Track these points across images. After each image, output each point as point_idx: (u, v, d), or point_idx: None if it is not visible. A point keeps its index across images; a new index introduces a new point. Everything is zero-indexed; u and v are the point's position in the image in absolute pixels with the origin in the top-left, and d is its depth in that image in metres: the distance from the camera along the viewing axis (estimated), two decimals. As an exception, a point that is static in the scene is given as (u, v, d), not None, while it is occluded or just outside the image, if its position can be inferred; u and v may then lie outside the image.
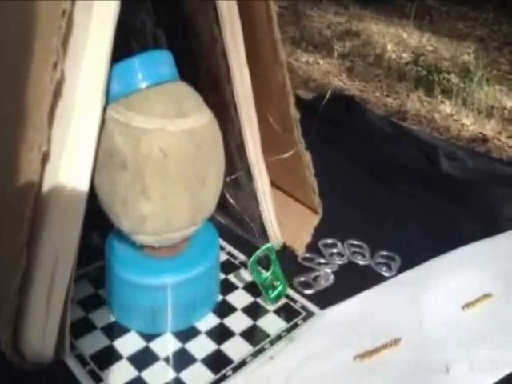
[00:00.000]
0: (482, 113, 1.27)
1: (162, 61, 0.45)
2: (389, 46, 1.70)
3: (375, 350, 0.49)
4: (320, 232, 0.65)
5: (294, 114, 0.54)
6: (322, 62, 1.56)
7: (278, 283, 0.55)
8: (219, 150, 0.48)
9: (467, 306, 0.55)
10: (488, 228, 0.70)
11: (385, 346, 0.50)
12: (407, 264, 0.62)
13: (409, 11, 1.99)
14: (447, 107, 1.30)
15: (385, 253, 0.63)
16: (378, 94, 1.37)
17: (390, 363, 0.49)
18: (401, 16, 2.02)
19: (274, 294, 0.55)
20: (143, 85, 0.44)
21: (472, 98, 1.33)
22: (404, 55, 1.65)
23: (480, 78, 1.42)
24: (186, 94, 0.46)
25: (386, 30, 1.87)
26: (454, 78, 1.47)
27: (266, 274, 0.54)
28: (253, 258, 0.53)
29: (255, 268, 0.54)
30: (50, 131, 0.38)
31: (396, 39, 1.78)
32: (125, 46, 0.48)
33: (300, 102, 0.57)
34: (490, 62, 1.59)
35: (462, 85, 1.41)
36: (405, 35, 1.83)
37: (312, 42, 1.69)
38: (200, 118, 0.45)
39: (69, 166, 0.40)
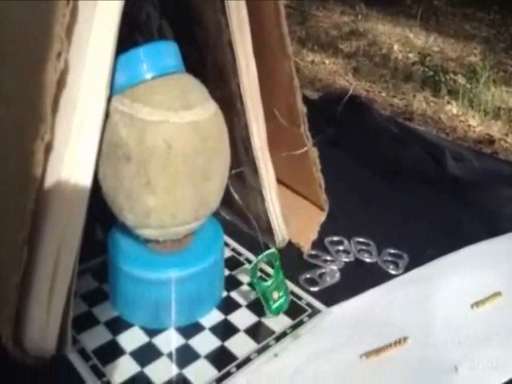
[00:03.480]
0: (488, 114, 1.26)
1: (168, 52, 0.45)
2: (395, 47, 1.70)
3: (382, 349, 0.48)
4: (326, 229, 0.64)
5: (301, 108, 0.54)
6: (327, 61, 1.55)
7: (281, 294, 0.51)
8: (224, 144, 0.47)
9: (476, 304, 0.54)
10: (493, 228, 0.69)
11: (392, 345, 0.49)
12: (415, 262, 0.61)
13: (415, 12, 1.99)
14: (454, 108, 1.29)
15: (392, 250, 0.62)
16: (384, 94, 1.36)
17: (396, 362, 0.48)
18: (407, 17, 2.01)
19: (275, 306, 0.51)
20: (148, 76, 0.43)
21: (478, 98, 1.32)
22: (410, 55, 1.65)
23: (486, 78, 1.42)
24: (192, 85, 0.46)
25: (393, 31, 1.87)
26: (461, 79, 1.46)
27: (268, 283, 0.50)
28: (254, 263, 0.49)
29: (255, 275, 0.49)
30: (54, 121, 0.38)
31: (402, 39, 1.78)
32: (130, 38, 0.48)
33: (306, 102, 0.56)
34: (496, 63, 1.58)
35: (468, 85, 1.40)
36: (411, 36, 1.83)
37: (318, 41, 1.69)
38: (205, 110, 0.45)
39: (72, 158, 0.40)
